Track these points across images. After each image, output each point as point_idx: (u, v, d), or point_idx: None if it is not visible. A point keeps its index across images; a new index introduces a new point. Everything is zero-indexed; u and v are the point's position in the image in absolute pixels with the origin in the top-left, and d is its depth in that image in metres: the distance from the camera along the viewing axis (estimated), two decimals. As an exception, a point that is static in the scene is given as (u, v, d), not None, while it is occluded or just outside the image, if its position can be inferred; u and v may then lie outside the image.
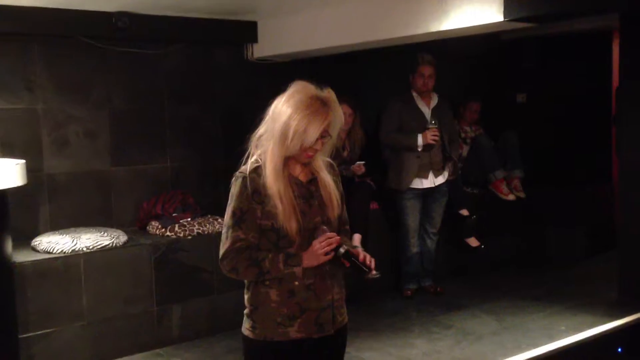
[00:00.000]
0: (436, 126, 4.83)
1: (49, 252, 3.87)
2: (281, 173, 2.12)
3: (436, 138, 4.83)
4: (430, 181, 4.95)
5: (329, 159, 2.28)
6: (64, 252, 3.86)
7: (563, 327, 4.25)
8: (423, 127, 4.85)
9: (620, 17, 4.65)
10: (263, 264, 2.11)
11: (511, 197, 5.77)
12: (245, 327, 2.23)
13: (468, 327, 4.35)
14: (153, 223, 4.44)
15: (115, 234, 4.13)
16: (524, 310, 4.64)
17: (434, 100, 4.97)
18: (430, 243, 5.08)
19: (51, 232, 4.13)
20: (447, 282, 5.22)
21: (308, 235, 2.15)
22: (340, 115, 2.16)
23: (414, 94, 4.94)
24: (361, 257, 2.14)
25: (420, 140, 4.82)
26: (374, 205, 5.04)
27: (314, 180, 2.22)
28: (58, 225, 4.30)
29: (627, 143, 4.72)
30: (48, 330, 3.77)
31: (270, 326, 2.16)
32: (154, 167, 4.79)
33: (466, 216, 5.33)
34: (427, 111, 4.93)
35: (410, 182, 4.92)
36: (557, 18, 3.88)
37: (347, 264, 2.13)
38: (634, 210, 4.68)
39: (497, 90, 6.45)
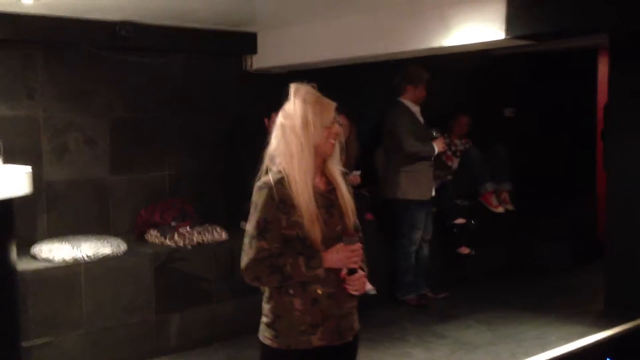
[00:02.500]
0: (440, 135, 4.92)
1: (49, 260, 3.85)
2: (312, 175, 2.18)
3: (446, 146, 4.93)
4: (433, 190, 5.03)
5: (343, 168, 2.34)
6: (65, 261, 3.85)
7: (554, 338, 4.34)
8: (424, 136, 4.90)
9: (610, 36, 4.79)
10: (285, 270, 2.14)
11: (500, 209, 5.84)
12: (266, 336, 2.25)
13: (463, 337, 4.42)
14: (151, 232, 4.44)
15: (115, 242, 4.13)
16: (516, 320, 4.72)
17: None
18: (427, 252, 5.14)
19: (50, 240, 4.11)
20: (439, 292, 5.27)
21: (332, 244, 2.20)
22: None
23: (409, 103, 5.00)
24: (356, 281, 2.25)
25: (436, 149, 4.87)
26: (368, 216, 5.09)
27: (333, 190, 2.28)
28: (56, 232, 4.28)
29: (616, 156, 4.84)
30: (48, 339, 3.76)
31: (294, 335, 2.20)
32: (153, 175, 4.79)
33: (465, 223, 5.39)
34: (421, 120, 5.01)
35: (431, 191, 4.95)
36: (558, 36, 3.97)
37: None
38: (620, 222, 4.81)
39: (487, 104, 6.56)
